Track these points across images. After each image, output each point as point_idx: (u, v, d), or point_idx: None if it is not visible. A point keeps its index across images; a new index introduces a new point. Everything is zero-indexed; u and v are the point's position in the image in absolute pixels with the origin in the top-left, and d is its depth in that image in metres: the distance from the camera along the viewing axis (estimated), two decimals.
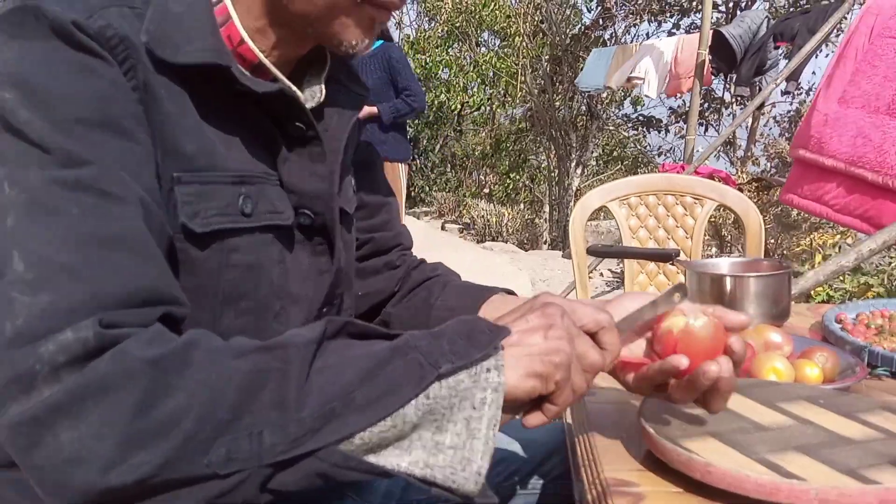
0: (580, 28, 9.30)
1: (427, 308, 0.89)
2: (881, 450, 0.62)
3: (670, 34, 7.95)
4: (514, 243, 7.82)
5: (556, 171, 9.62)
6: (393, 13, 0.71)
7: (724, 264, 1.22)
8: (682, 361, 0.60)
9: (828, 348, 0.90)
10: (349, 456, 0.51)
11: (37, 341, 0.47)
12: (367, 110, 3.76)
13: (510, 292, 0.89)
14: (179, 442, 0.47)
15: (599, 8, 8.88)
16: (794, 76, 4.22)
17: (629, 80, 5.74)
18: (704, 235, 1.94)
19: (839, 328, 1.03)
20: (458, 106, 10.67)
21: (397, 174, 4.25)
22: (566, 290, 3.74)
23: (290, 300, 0.72)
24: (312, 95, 0.75)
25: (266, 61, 0.69)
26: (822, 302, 3.07)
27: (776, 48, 4.53)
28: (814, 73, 7.89)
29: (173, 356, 0.49)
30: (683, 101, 7.87)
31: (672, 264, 1.21)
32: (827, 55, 5.81)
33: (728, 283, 1.10)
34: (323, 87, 0.75)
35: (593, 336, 0.61)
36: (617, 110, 10.01)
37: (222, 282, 0.65)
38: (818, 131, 2.23)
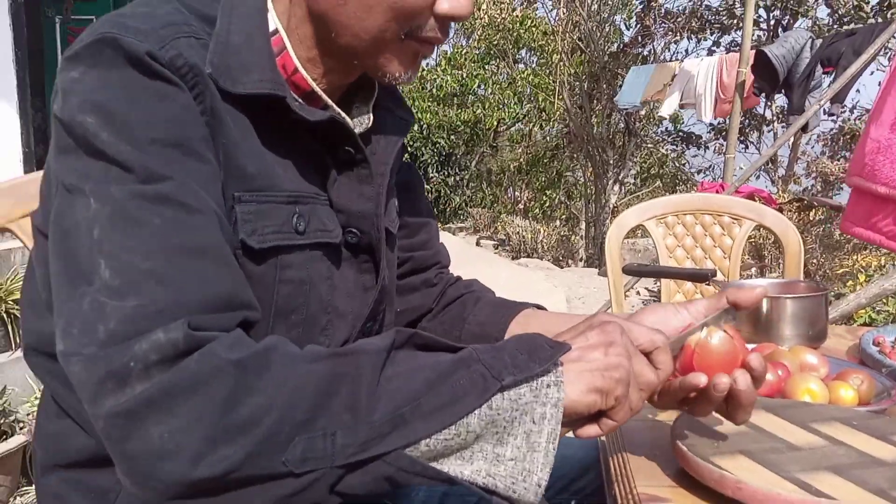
0: (618, 45, 9.28)
1: (460, 323, 0.92)
2: None
3: (710, 52, 7.89)
4: (549, 260, 7.80)
5: (593, 187, 9.57)
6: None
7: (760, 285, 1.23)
8: (700, 379, 0.62)
9: (864, 371, 0.90)
10: (416, 461, 0.54)
11: (130, 340, 0.51)
12: None
13: (540, 307, 0.92)
14: (261, 438, 0.51)
15: (638, 25, 8.87)
16: (838, 98, 4.15)
17: (682, 106, 5.76)
18: (744, 255, 1.93)
19: (876, 351, 1.03)
20: (495, 123, 10.73)
21: None
22: (602, 308, 3.73)
23: (337, 315, 0.75)
24: (361, 122, 0.79)
25: (318, 89, 0.73)
26: (865, 324, 3.01)
27: (825, 73, 4.46)
28: (858, 91, 7.73)
29: (255, 358, 0.53)
30: (725, 118, 7.79)
31: (709, 284, 1.22)
32: (872, 73, 5.68)
33: (764, 304, 1.10)
34: (371, 113, 0.79)
35: (647, 355, 0.63)
36: (656, 127, 9.94)
37: (276, 296, 0.69)
38: (871, 159, 2.20)
